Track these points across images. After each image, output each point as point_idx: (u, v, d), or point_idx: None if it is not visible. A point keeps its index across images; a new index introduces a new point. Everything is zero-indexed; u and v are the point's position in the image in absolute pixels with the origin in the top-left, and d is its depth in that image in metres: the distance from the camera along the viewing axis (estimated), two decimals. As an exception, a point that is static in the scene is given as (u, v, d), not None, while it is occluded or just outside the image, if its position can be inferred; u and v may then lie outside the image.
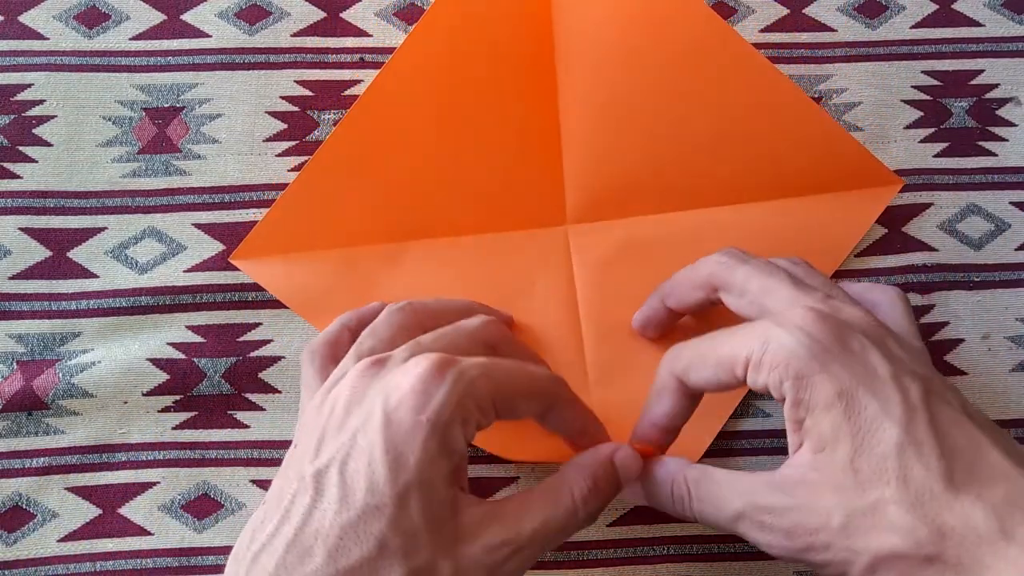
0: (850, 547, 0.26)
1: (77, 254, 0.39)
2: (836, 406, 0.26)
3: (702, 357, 0.30)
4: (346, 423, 0.27)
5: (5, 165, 0.39)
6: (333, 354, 0.33)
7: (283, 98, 0.40)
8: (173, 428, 0.37)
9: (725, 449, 0.37)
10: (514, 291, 0.37)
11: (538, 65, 0.37)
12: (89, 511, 0.36)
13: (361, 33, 0.41)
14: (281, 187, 0.39)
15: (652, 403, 0.32)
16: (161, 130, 0.40)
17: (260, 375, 0.38)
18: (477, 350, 0.30)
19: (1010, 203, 0.40)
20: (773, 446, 0.37)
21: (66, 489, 0.37)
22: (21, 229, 0.39)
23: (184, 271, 0.38)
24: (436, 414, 0.26)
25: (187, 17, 0.41)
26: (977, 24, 0.42)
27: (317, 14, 0.41)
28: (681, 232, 0.38)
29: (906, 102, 0.41)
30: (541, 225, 0.38)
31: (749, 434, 0.37)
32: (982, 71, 0.42)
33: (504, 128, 0.37)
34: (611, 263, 0.38)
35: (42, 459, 0.37)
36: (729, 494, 0.28)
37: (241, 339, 0.38)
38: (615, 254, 0.38)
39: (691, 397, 0.31)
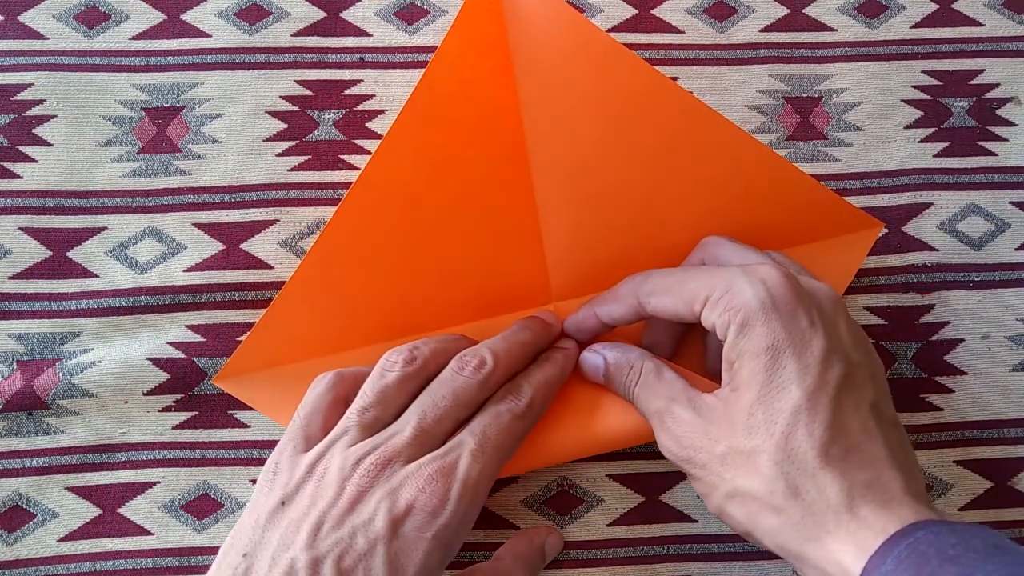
0: (721, 474, 0.29)
1: (77, 254, 0.39)
2: (762, 357, 0.29)
3: (668, 288, 0.33)
4: (347, 519, 0.28)
5: (5, 165, 0.39)
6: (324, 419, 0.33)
7: (283, 98, 0.40)
8: (173, 428, 0.37)
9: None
10: None
11: (511, 152, 0.36)
12: (89, 511, 0.36)
13: (361, 33, 0.41)
14: (281, 187, 0.39)
15: (604, 302, 0.35)
16: (161, 130, 0.40)
17: (260, 375, 0.38)
18: (478, 406, 0.33)
19: (1010, 203, 0.40)
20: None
21: (66, 489, 0.37)
22: (21, 229, 0.39)
23: (184, 271, 0.38)
24: (443, 530, 0.28)
25: (187, 17, 0.41)
26: (977, 24, 0.42)
27: (317, 14, 0.41)
28: None
29: (906, 102, 0.41)
30: (528, 307, 0.38)
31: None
32: (982, 71, 0.42)
33: (483, 218, 0.36)
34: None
35: (42, 459, 0.37)
36: (661, 392, 0.32)
37: (241, 338, 0.38)
38: None
39: (640, 316, 0.34)
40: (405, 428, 0.31)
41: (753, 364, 0.29)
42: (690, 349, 0.37)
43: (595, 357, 0.35)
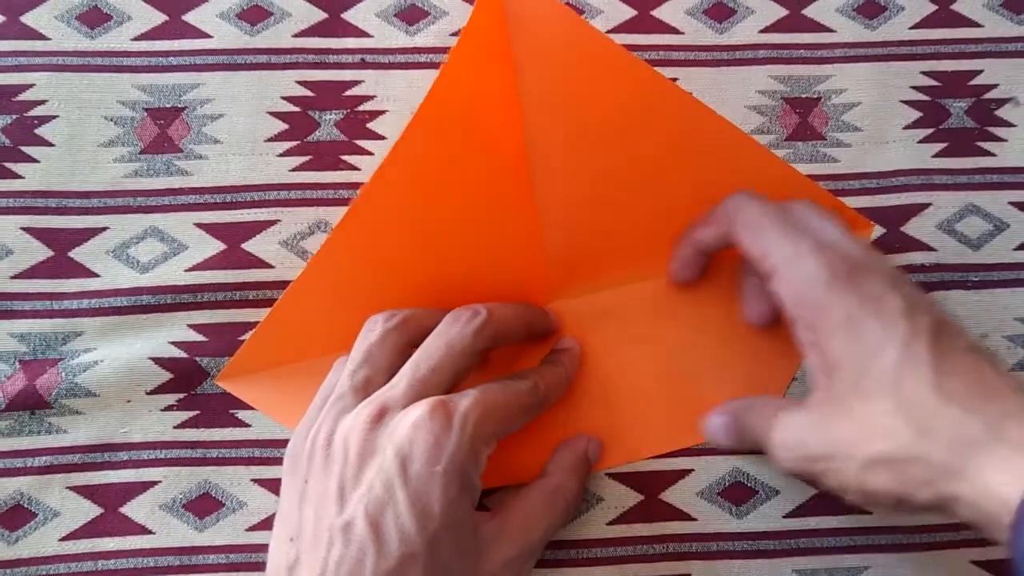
0: (848, 451, 0.28)
1: (79, 253, 0.39)
2: (842, 330, 0.29)
3: (753, 226, 0.32)
4: (362, 474, 0.29)
5: (7, 165, 0.39)
6: None
7: (284, 98, 0.40)
8: (175, 427, 0.37)
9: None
10: (506, 370, 0.37)
11: (512, 156, 0.36)
12: (91, 510, 0.37)
13: (362, 34, 0.41)
14: (282, 187, 0.39)
15: (699, 224, 0.35)
16: (163, 130, 0.40)
17: (261, 374, 0.38)
18: (474, 361, 0.33)
19: (1009, 203, 0.40)
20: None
21: (68, 488, 0.37)
22: (23, 229, 0.39)
23: (185, 270, 0.38)
24: (451, 463, 0.28)
25: (188, 18, 0.41)
26: (976, 25, 0.42)
27: (318, 15, 0.41)
28: (662, 295, 0.38)
29: (905, 102, 0.41)
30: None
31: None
32: (981, 71, 0.42)
33: (485, 221, 0.36)
34: (598, 333, 0.38)
35: (44, 458, 0.37)
36: (761, 417, 0.32)
37: (243, 338, 0.38)
38: (601, 324, 0.38)
39: (728, 239, 0.34)
40: (400, 381, 0.31)
41: (837, 340, 0.29)
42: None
43: (715, 420, 0.35)
